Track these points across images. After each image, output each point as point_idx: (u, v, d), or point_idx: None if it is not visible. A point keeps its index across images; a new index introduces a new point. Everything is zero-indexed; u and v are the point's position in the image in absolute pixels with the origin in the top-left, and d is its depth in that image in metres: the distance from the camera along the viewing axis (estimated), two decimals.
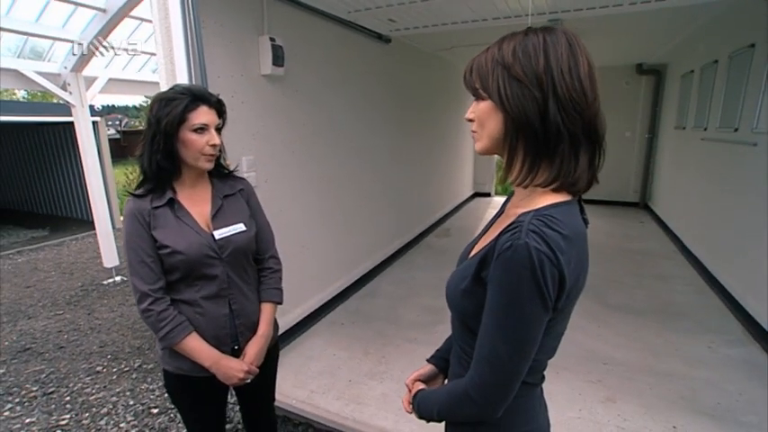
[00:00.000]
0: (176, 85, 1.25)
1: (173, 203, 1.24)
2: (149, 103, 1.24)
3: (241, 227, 1.32)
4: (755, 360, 2.63)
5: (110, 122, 23.81)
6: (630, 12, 3.21)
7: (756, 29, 3.07)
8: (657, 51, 5.80)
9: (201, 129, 1.21)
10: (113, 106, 29.15)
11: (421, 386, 0.96)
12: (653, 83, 6.69)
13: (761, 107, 2.94)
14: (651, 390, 2.37)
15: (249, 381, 1.32)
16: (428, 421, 0.88)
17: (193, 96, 1.20)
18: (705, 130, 4.15)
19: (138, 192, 1.23)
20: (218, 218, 1.29)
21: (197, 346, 1.23)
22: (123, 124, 26.86)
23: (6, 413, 2.52)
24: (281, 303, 1.46)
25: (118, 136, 21.06)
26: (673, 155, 5.69)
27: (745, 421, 2.10)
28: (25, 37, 4.26)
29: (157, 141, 1.18)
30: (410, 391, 0.97)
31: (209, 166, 1.27)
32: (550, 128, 0.68)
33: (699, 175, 4.38)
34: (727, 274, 3.47)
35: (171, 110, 1.17)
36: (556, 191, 0.73)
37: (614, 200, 7.31)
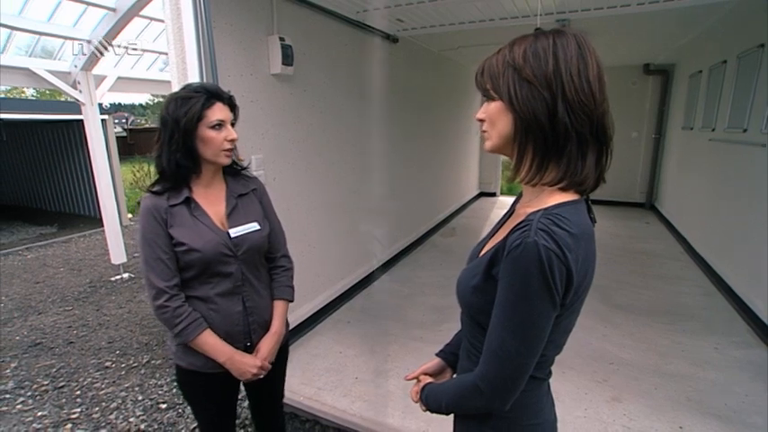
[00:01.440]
0: (188, 84, 1.27)
1: (189, 202, 1.26)
2: (164, 102, 1.25)
3: (255, 226, 1.34)
4: (762, 362, 2.62)
5: (116, 120, 24.00)
6: (638, 12, 3.21)
7: (765, 29, 3.05)
8: (665, 51, 5.77)
9: (219, 125, 1.23)
10: (120, 104, 29.46)
11: (429, 379, 0.98)
12: (660, 83, 6.65)
13: None
14: (657, 390, 2.37)
15: (262, 376, 1.34)
16: (435, 413, 0.90)
17: (209, 94, 1.22)
18: (713, 130, 4.13)
19: (155, 189, 1.25)
20: (232, 217, 1.31)
21: (212, 342, 1.25)
22: (130, 122, 27.09)
23: (19, 406, 2.56)
24: (292, 301, 1.48)
25: (125, 134, 21.21)
26: (680, 156, 5.66)
27: (752, 422, 2.10)
28: (37, 36, 4.32)
29: (176, 141, 1.19)
30: (418, 381, 0.99)
31: (228, 161, 1.29)
32: (559, 129, 0.70)
33: (706, 176, 4.35)
34: (734, 275, 3.46)
35: (189, 108, 1.18)
36: (563, 190, 0.74)
37: (620, 200, 7.29)
